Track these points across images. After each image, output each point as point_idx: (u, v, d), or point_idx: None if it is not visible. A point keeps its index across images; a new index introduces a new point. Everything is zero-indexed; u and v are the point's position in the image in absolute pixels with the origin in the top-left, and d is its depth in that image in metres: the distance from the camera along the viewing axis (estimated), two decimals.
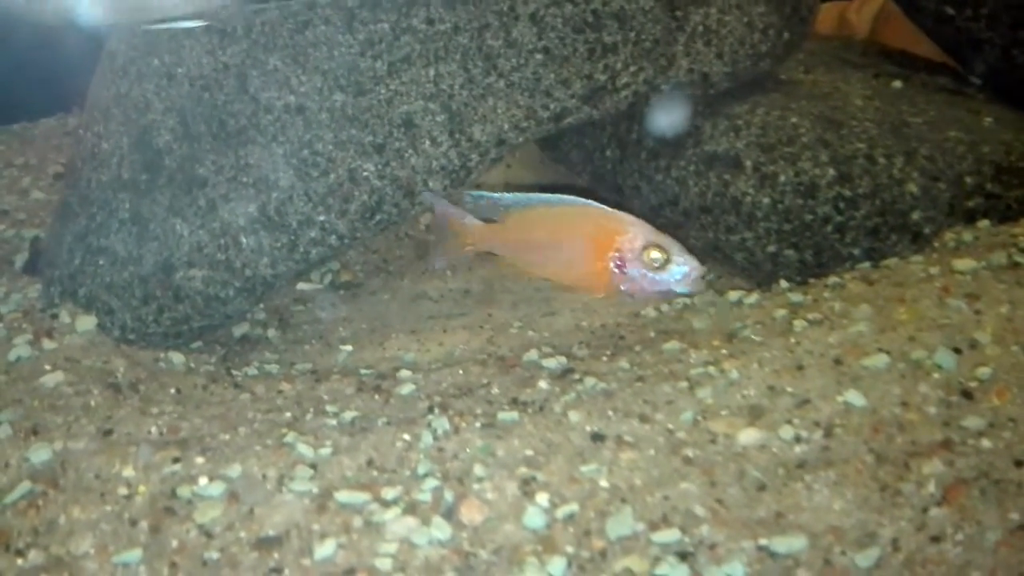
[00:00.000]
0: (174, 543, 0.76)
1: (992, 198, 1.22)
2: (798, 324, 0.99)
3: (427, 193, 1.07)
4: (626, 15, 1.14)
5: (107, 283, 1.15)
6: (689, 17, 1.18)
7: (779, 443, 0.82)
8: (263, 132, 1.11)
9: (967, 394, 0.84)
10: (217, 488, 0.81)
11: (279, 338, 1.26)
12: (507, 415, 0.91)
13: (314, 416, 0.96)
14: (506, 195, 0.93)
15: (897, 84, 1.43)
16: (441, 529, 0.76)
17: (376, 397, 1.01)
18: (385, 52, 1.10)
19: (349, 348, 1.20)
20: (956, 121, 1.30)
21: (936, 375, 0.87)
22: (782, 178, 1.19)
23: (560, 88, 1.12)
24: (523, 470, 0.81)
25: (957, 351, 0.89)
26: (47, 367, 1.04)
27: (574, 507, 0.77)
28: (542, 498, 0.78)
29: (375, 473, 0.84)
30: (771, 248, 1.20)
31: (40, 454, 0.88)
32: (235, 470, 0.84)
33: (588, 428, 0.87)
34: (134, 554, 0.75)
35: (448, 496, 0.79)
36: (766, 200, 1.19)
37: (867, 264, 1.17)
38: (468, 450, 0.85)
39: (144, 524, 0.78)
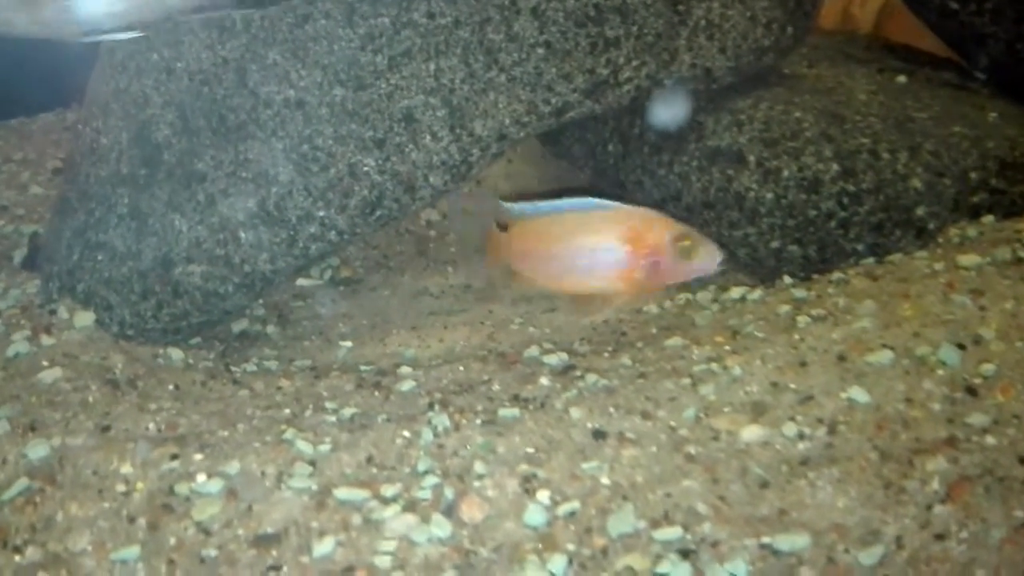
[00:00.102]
0: (172, 540, 0.76)
1: (997, 193, 1.21)
2: (802, 320, 0.98)
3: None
4: (628, 9, 1.13)
5: (106, 279, 1.14)
6: (692, 11, 1.17)
7: (782, 440, 0.82)
8: (263, 127, 1.10)
9: (971, 390, 0.84)
10: (215, 485, 0.81)
11: (278, 334, 1.26)
12: (508, 412, 0.90)
13: (313, 413, 0.95)
14: (517, 204, 0.92)
15: (901, 79, 1.42)
16: (441, 527, 0.75)
17: (376, 394, 1.00)
18: (385, 46, 1.09)
19: (349, 344, 1.20)
20: (961, 116, 1.29)
21: (940, 371, 0.86)
22: (785, 173, 1.18)
23: (562, 82, 1.12)
24: (524, 467, 0.81)
25: (961, 347, 0.88)
26: (45, 363, 1.03)
27: (575, 504, 0.77)
28: (543, 495, 0.78)
29: (374, 470, 0.83)
30: (774, 244, 1.20)
31: (38, 450, 0.87)
32: (234, 467, 0.83)
33: (589, 425, 0.86)
34: (132, 551, 0.75)
35: (448, 493, 0.79)
36: (769, 195, 1.18)
37: (871, 260, 1.17)
38: (468, 447, 0.85)
39: (142, 521, 0.78)
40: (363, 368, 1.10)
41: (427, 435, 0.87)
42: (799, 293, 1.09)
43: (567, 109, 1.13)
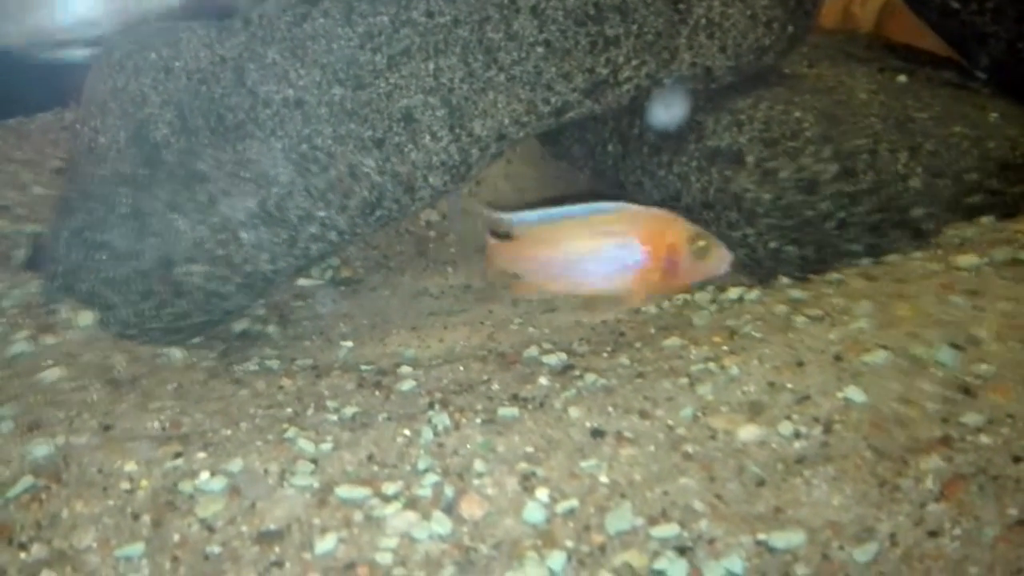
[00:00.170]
0: (176, 537, 0.77)
1: (995, 194, 1.21)
2: (799, 320, 0.99)
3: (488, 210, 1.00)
4: (628, 8, 1.12)
5: (107, 278, 1.14)
6: (692, 10, 1.16)
7: (778, 439, 0.83)
8: (262, 126, 1.11)
9: (967, 390, 0.84)
10: (218, 483, 0.82)
11: (279, 334, 1.26)
12: (507, 411, 0.91)
13: (315, 412, 0.96)
14: (521, 213, 0.91)
15: (902, 78, 1.42)
16: (441, 524, 0.76)
17: (377, 393, 1.01)
18: (384, 45, 1.09)
19: (350, 344, 1.20)
20: (961, 116, 1.28)
21: (936, 371, 0.87)
22: (783, 174, 1.18)
23: (561, 82, 1.11)
24: (523, 465, 0.82)
25: (957, 347, 0.89)
26: (47, 362, 1.04)
27: (574, 502, 0.78)
28: (542, 493, 0.78)
29: (376, 468, 0.84)
30: (772, 244, 1.20)
31: (42, 449, 0.88)
32: (236, 465, 0.84)
33: (588, 424, 0.87)
34: (136, 548, 0.76)
35: (448, 491, 0.79)
36: (767, 196, 1.19)
37: (868, 260, 1.17)
38: (468, 446, 0.85)
39: (146, 518, 0.79)
40: (364, 368, 1.11)
41: (427, 434, 0.88)
42: (796, 293, 1.09)
43: (567, 109, 1.13)
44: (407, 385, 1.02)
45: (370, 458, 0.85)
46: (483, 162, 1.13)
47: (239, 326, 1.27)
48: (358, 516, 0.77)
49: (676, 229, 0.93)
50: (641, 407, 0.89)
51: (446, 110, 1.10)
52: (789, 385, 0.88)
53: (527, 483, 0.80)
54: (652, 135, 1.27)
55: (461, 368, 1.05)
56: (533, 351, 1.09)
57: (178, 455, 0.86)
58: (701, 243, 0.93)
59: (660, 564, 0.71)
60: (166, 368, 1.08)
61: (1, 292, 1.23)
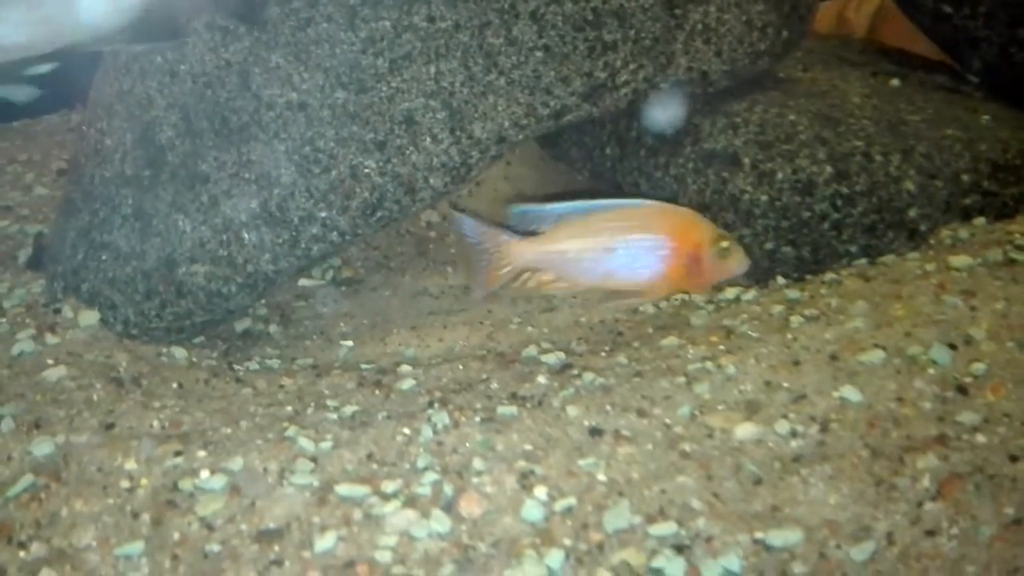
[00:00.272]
0: (176, 535, 0.77)
1: (989, 195, 1.23)
2: (795, 320, 1.00)
3: (457, 214, 1.01)
4: (626, 13, 1.14)
5: (110, 278, 1.15)
6: (688, 15, 1.18)
7: (775, 438, 0.83)
8: (265, 129, 1.12)
9: (962, 390, 0.85)
10: (219, 481, 0.82)
11: (280, 333, 1.27)
12: (506, 410, 0.91)
13: (315, 410, 0.96)
14: (550, 206, 0.90)
15: (895, 82, 1.44)
16: (440, 522, 0.76)
17: (376, 392, 1.01)
18: (386, 49, 1.11)
19: (350, 344, 1.21)
20: (954, 119, 1.30)
21: (931, 371, 0.87)
22: (780, 175, 1.20)
23: (560, 86, 1.13)
24: (522, 464, 0.82)
25: (952, 347, 0.90)
26: (50, 361, 1.04)
27: (572, 500, 0.78)
28: (540, 491, 0.79)
29: (375, 467, 0.84)
30: (768, 245, 1.21)
31: (43, 447, 0.88)
32: (236, 463, 0.84)
33: (586, 423, 0.87)
34: (136, 546, 0.76)
35: (447, 489, 0.80)
36: (764, 197, 1.20)
37: (864, 261, 1.18)
38: (467, 444, 0.86)
39: (146, 517, 0.79)
40: (364, 367, 1.11)
41: (427, 432, 0.88)
42: (792, 294, 1.10)
43: (565, 112, 1.15)
44: (407, 384, 1.02)
45: (370, 456, 0.85)
46: (483, 164, 1.15)
47: (241, 325, 1.27)
48: (357, 514, 0.78)
49: (702, 228, 0.95)
50: (639, 406, 0.89)
51: (447, 113, 1.11)
52: (785, 384, 0.89)
53: (525, 481, 0.80)
54: (649, 138, 1.29)
55: (460, 367, 1.06)
56: (532, 350, 1.10)
57: (178, 454, 0.86)
58: (724, 244, 0.94)
59: (658, 562, 0.71)
60: (168, 367, 1.09)
61: (4, 292, 1.24)
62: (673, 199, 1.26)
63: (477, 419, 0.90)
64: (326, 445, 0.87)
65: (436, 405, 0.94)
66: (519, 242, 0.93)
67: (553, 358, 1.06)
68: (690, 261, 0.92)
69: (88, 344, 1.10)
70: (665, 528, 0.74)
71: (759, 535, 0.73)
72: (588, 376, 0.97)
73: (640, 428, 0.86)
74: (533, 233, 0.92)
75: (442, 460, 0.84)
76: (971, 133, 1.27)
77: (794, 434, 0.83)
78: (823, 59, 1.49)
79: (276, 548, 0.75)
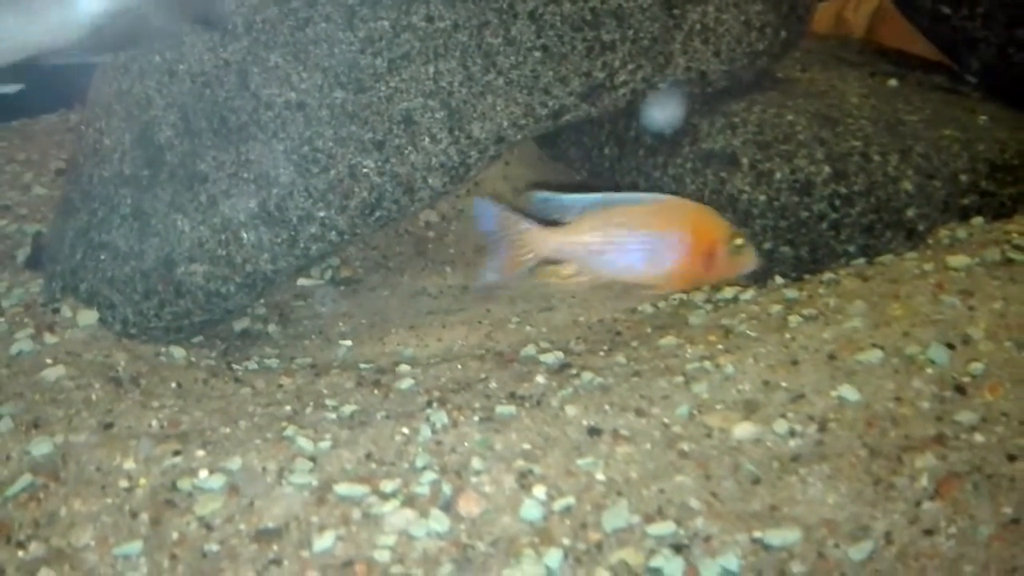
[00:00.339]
0: (174, 535, 0.77)
1: (986, 195, 1.23)
2: (793, 320, 1.00)
3: (478, 198, 0.96)
4: (624, 13, 1.14)
5: (109, 278, 1.15)
6: (687, 15, 1.18)
7: (773, 437, 0.83)
8: (264, 128, 1.12)
9: (960, 389, 0.85)
10: (217, 481, 0.82)
11: (279, 333, 1.27)
12: (505, 409, 0.91)
13: (314, 410, 0.96)
14: (573, 196, 0.89)
15: (893, 82, 1.44)
16: (439, 521, 0.76)
17: (375, 391, 1.01)
18: (385, 49, 1.11)
19: (349, 343, 1.21)
20: (951, 119, 1.31)
21: (929, 370, 0.88)
22: (778, 175, 1.20)
23: (558, 86, 1.13)
24: (520, 463, 0.82)
25: (950, 347, 0.90)
26: (48, 361, 1.04)
27: (570, 500, 0.78)
28: (539, 491, 0.79)
29: (374, 466, 0.84)
30: (767, 245, 1.21)
31: (41, 447, 0.88)
32: (235, 463, 0.84)
33: (585, 422, 0.87)
34: (134, 546, 0.76)
35: (446, 489, 0.80)
36: (762, 197, 1.20)
37: (862, 261, 1.18)
38: (466, 443, 0.86)
39: (145, 516, 0.79)
40: (363, 366, 1.11)
41: (425, 432, 0.88)
42: (791, 293, 1.10)
43: (564, 112, 1.15)
44: (405, 383, 1.02)
45: (368, 456, 0.85)
46: (481, 164, 1.15)
47: (240, 325, 1.28)
48: (356, 514, 0.78)
49: (718, 225, 0.94)
50: (637, 405, 0.89)
51: (445, 113, 1.11)
52: (784, 384, 0.89)
53: (524, 481, 0.80)
54: (648, 138, 1.29)
55: (459, 367, 1.06)
56: (530, 350, 1.10)
57: (177, 453, 0.86)
58: (738, 241, 0.93)
59: (656, 562, 0.71)
60: (167, 367, 1.09)
61: (2, 291, 1.24)
62: None
63: (476, 418, 0.90)
64: (325, 444, 0.87)
65: (435, 404, 0.94)
66: (542, 231, 0.90)
67: (552, 357, 1.06)
68: (706, 257, 0.91)
69: (87, 344, 1.10)
70: (663, 528, 0.74)
71: (757, 534, 0.73)
72: (587, 375, 0.97)
73: (638, 427, 0.86)
74: (554, 223, 0.91)
75: (441, 459, 0.84)
76: (969, 133, 1.28)
77: (792, 434, 0.83)
78: (821, 59, 1.50)
79: (275, 547, 0.75)
